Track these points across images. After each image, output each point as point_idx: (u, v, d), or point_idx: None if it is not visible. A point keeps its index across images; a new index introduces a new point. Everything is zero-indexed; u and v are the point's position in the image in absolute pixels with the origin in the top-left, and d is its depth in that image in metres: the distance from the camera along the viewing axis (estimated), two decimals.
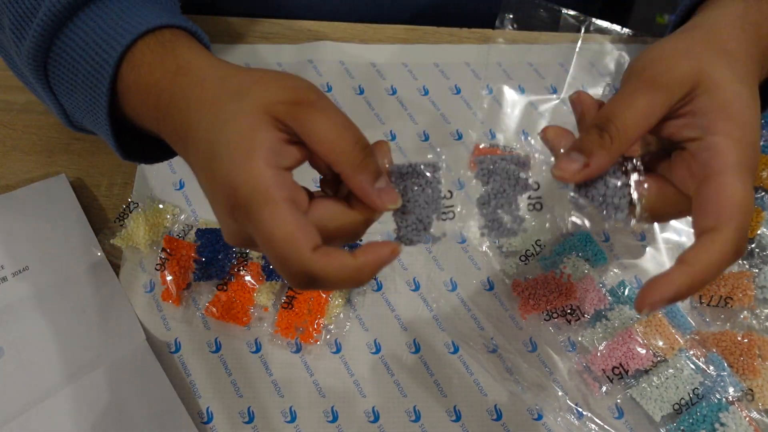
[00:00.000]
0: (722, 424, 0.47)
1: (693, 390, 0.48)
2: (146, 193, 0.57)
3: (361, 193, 0.34)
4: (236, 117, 0.33)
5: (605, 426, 0.49)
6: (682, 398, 0.48)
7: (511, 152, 0.34)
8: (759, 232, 0.55)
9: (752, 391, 0.49)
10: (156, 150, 0.43)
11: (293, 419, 0.49)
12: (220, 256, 0.53)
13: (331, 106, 0.34)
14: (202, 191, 0.36)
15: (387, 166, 0.37)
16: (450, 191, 0.39)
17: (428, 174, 0.39)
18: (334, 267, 0.32)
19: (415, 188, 0.38)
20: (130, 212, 0.55)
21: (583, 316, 0.51)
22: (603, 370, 0.50)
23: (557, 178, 0.36)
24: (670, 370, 0.49)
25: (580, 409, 0.50)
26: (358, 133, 0.34)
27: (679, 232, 0.57)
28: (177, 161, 0.59)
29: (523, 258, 0.55)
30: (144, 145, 0.43)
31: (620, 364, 0.49)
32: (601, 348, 0.50)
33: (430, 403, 0.50)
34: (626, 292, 0.53)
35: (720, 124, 0.34)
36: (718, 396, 0.48)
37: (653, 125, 0.35)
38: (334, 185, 0.37)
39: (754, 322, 0.52)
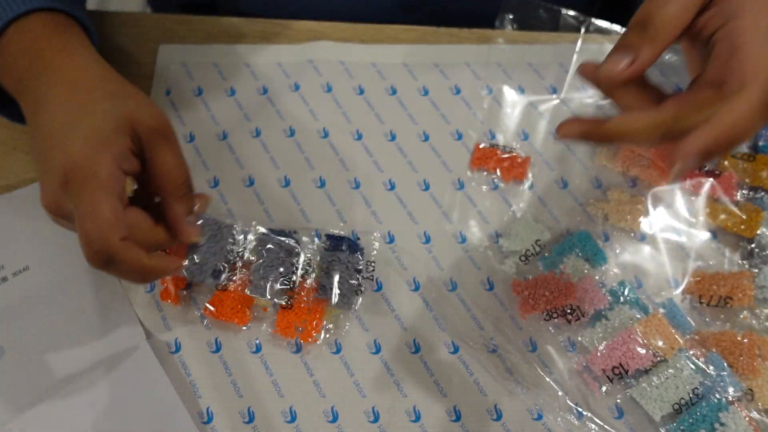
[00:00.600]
0: (722, 424, 0.47)
1: (693, 390, 0.48)
2: None
3: (174, 220, 0.41)
4: (107, 114, 0.38)
5: (605, 426, 0.49)
6: (681, 398, 0.48)
7: None
8: (759, 231, 0.55)
9: (752, 391, 0.49)
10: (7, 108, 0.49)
11: (293, 419, 0.49)
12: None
13: (179, 146, 0.42)
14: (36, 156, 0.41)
15: (199, 213, 0.47)
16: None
17: (225, 231, 0.51)
18: (132, 260, 0.39)
19: (209, 239, 0.51)
20: None
21: (583, 316, 0.51)
22: (603, 370, 0.50)
23: (606, 79, 0.36)
24: (670, 370, 0.49)
25: (580, 409, 0.50)
26: (189, 175, 0.42)
27: (679, 232, 0.57)
28: None
29: (522, 258, 0.55)
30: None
31: (620, 364, 0.49)
32: (600, 348, 0.50)
33: (430, 403, 0.50)
34: (626, 292, 0.53)
35: (744, 6, 0.34)
36: (717, 396, 0.48)
37: (692, 17, 0.35)
38: (145, 199, 0.43)
39: (753, 322, 0.52)
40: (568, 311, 0.51)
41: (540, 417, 0.50)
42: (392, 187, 0.59)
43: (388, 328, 0.53)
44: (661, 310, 0.52)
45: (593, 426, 0.49)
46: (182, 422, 0.48)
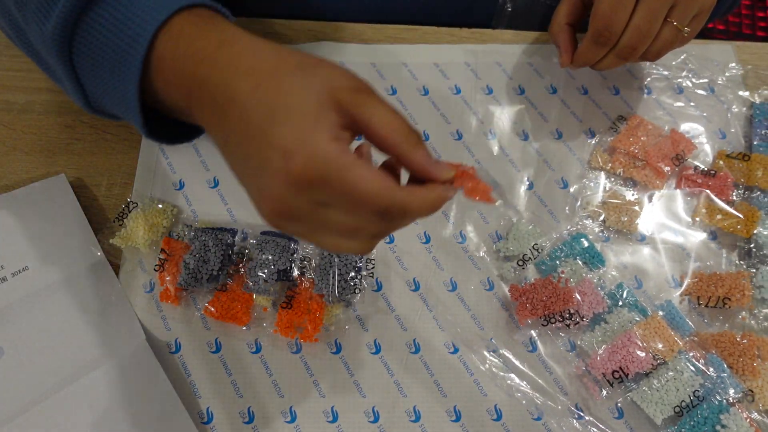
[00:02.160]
0: (723, 426, 0.47)
1: (693, 392, 0.48)
2: (146, 193, 0.57)
3: (422, 167, 0.36)
4: (304, 90, 0.34)
5: (605, 428, 0.49)
6: (682, 400, 0.48)
7: None
8: (755, 231, 0.55)
9: (752, 391, 0.49)
10: (175, 131, 0.43)
11: (293, 419, 0.49)
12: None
13: (383, 98, 0.36)
14: (235, 163, 0.36)
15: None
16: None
17: (220, 236, 0.52)
18: (419, 199, 0.35)
19: (201, 246, 0.52)
20: (130, 212, 0.55)
21: (582, 320, 0.52)
22: (603, 373, 0.50)
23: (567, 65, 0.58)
24: (670, 373, 0.49)
25: (580, 413, 0.50)
26: (408, 121, 0.36)
27: (677, 233, 0.57)
28: (176, 161, 0.59)
29: (520, 262, 0.55)
30: (163, 126, 0.42)
31: (620, 368, 0.49)
32: (600, 352, 0.50)
33: (430, 403, 0.50)
34: (624, 295, 0.53)
35: None
36: (718, 398, 0.48)
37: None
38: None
39: (752, 322, 0.52)
40: (567, 316, 0.52)
41: (540, 417, 0.50)
42: None
43: (388, 328, 0.53)
44: (660, 313, 0.52)
45: (593, 428, 0.49)
46: (182, 422, 0.48)
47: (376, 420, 0.50)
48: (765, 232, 0.55)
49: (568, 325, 0.52)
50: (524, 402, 0.50)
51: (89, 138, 0.60)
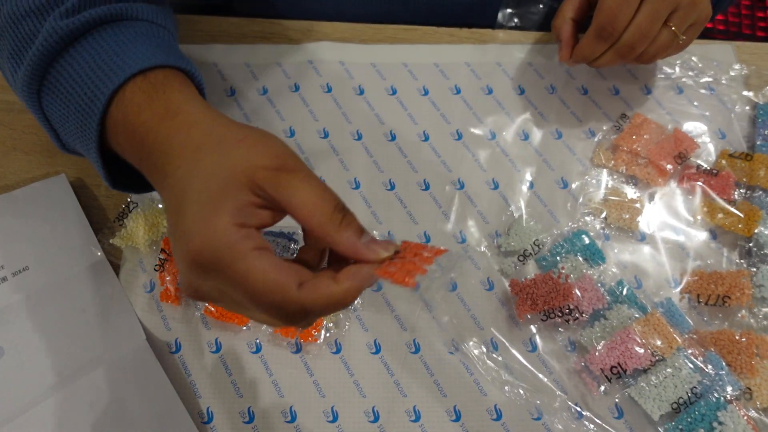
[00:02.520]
0: (720, 423, 0.47)
1: (691, 389, 0.48)
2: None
3: (351, 250, 0.34)
4: (211, 171, 0.33)
5: (605, 426, 0.49)
6: (680, 397, 0.48)
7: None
8: (756, 231, 0.55)
9: (750, 390, 0.49)
10: (142, 182, 0.42)
11: (293, 419, 0.49)
12: None
13: (311, 173, 0.35)
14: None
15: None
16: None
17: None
18: (323, 298, 0.33)
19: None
20: (130, 212, 0.55)
21: (582, 316, 0.52)
22: (601, 369, 0.50)
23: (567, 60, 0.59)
24: (669, 369, 0.49)
25: (579, 409, 0.50)
26: (336, 197, 0.34)
27: (678, 231, 0.57)
28: None
29: (521, 257, 0.55)
30: (130, 176, 0.43)
31: (618, 364, 0.49)
32: (599, 347, 0.50)
33: (430, 403, 0.50)
34: (624, 292, 0.53)
35: None
36: (716, 395, 0.48)
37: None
38: (313, 257, 0.37)
39: (752, 321, 0.52)
40: (566, 311, 0.52)
41: (540, 417, 0.50)
42: (392, 187, 0.59)
43: (388, 328, 0.53)
44: (660, 310, 0.52)
45: (593, 426, 0.49)
46: (182, 422, 0.48)
47: (376, 420, 0.50)
48: (766, 232, 0.55)
49: (567, 321, 0.52)
50: (523, 401, 0.50)
51: None
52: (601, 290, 0.53)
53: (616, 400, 0.50)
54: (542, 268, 0.55)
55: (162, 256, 0.53)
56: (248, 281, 0.32)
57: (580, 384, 0.51)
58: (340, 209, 0.34)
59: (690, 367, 0.49)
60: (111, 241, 0.54)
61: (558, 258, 0.55)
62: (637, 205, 0.57)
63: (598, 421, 0.49)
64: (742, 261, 0.55)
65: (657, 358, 0.50)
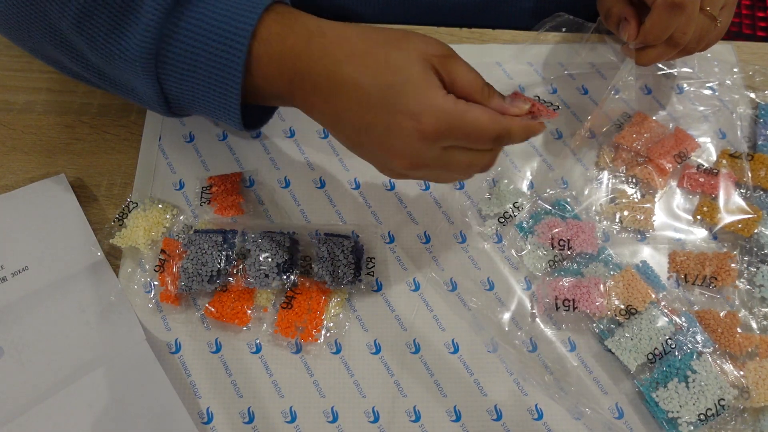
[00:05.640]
0: (693, 371, 0.49)
1: (666, 340, 0.50)
2: (146, 193, 0.57)
3: (501, 110, 0.43)
4: (407, 62, 0.40)
5: (605, 428, 0.49)
6: (655, 348, 0.50)
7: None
8: (756, 231, 0.55)
9: (748, 389, 0.49)
10: (257, 116, 0.49)
11: (293, 419, 0.49)
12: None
13: (459, 58, 0.43)
14: (350, 140, 0.44)
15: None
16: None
17: (217, 239, 0.53)
18: (517, 121, 0.43)
19: (198, 249, 0.52)
20: (130, 212, 0.55)
21: (570, 251, 0.54)
22: (556, 296, 0.52)
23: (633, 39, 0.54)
24: (644, 322, 0.51)
25: (580, 409, 0.50)
26: (481, 77, 0.43)
27: (678, 230, 0.57)
28: (176, 161, 0.59)
29: (501, 220, 0.57)
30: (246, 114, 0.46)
31: (573, 300, 0.52)
32: (566, 280, 0.53)
33: (430, 403, 0.50)
34: (604, 256, 0.55)
35: None
36: (690, 346, 0.50)
37: None
38: None
39: (736, 302, 0.54)
40: (560, 244, 0.55)
41: (540, 417, 0.50)
42: (392, 187, 0.59)
43: (388, 328, 0.53)
44: (634, 269, 0.54)
45: (593, 426, 0.49)
46: (182, 422, 0.48)
47: (376, 420, 0.50)
48: (766, 232, 0.55)
49: (561, 251, 0.54)
50: (524, 402, 0.50)
51: (89, 138, 0.60)
52: (597, 239, 0.55)
53: (617, 402, 0.50)
54: (522, 231, 0.57)
55: (162, 257, 0.53)
56: (477, 124, 0.40)
57: (580, 383, 0.51)
58: (487, 84, 0.43)
59: (665, 320, 0.51)
60: (111, 241, 0.54)
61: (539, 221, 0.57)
62: (649, 205, 0.57)
63: (597, 421, 0.49)
64: (745, 258, 0.55)
65: (632, 311, 0.52)
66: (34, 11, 0.43)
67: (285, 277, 0.52)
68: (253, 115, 0.49)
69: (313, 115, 0.44)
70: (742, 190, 0.58)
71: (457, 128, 0.40)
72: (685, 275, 0.55)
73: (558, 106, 0.45)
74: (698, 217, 0.57)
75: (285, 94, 0.43)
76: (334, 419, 0.50)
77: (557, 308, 0.52)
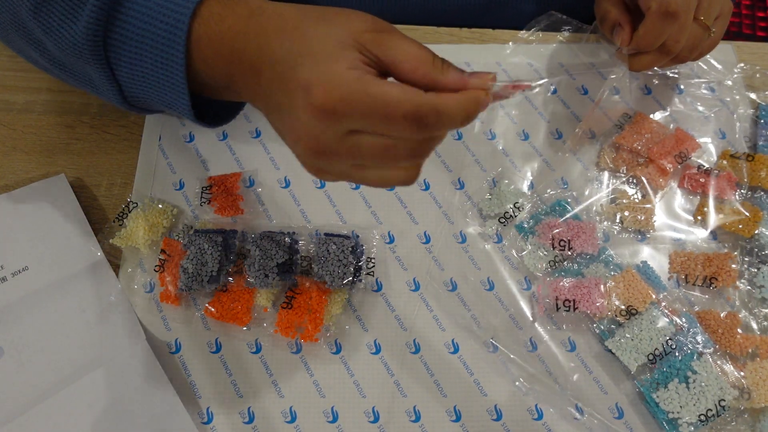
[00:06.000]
0: (694, 372, 0.49)
1: (666, 341, 0.50)
2: (146, 193, 0.57)
3: (460, 83, 0.36)
4: (325, 36, 0.36)
5: (605, 428, 0.49)
6: (656, 348, 0.50)
7: None
8: (757, 231, 0.55)
9: (749, 389, 0.49)
10: (215, 112, 0.46)
11: (293, 419, 0.49)
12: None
13: (402, 33, 0.37)
14: (276, 124, 0.39)
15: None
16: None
17: (217, 239, 0.52)
18: (452, 98, 0.35)
19: (198, 250, 0.52)
20: (130, 212, 0.55)
21: (570, 252, 0.54)
22: (557, 297, 0.52)
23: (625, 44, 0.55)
24: (644, 322, 0.51)
25: (580, 409, 0.50)
26: (430, 50, 0.37)
27: (678, 231, 0.57)
28: (176, 161, 0.59)
29: (502, 220, 0.57)
30: (203, 108, 0.45)
31: (573, 301, 0.52)
32: (566, 281, 0.53)
33: (430, 403, 0.50)
34: (604, 256, 0.55)
35: None
36: (690, 347, 0.50)
37: None
38: None
39: (737, 302, 0.54)
40: (561, 244, 0.55)
41: (540, 417, 0.50)
42: (392, 188, 0.59)
43: (388, 328, 0.53)
44: (635, 270, 0.54)
45: (593, 426, 0.49)
46: (182, 422, 0.48)
47: (376, 420, 0.50)
48: (767, 232, 0.55)
49: (561, 251, 0.54)
50: (524, 401, 0.50)
51: (89, 138, 0.60)
52: (598, 240, 0.55)
53: (617, 402, 0.50)
54: (522, 232, 0.57)
55: (162, 257, 0.53)
56: (385, 97, 0.34)
57: (580, 383, 0.51)
58: (438, 57, 0.37)
59: (665, 321, 0.51)
60: (111, 241, 0.54)
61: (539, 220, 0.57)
62: (649, 206, 0.57)
63: (597, 421, 0.49)
64: (746, 259, 0.55)
65: (632, 312, 0.52)
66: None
67: (285, 277, 0.52)
68: (219, 114, 0.47)
69: (255, 102, 0.41)
70: (742, 191, 0.58)
71: (357, 102, 0.34)
72: (686, 276, 0.54)
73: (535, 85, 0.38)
74: (699, 217, 0.57)
75: (226, 79, 0.40)
76: (334, 419, 0.50)
77: (557, 308, 0.52)
